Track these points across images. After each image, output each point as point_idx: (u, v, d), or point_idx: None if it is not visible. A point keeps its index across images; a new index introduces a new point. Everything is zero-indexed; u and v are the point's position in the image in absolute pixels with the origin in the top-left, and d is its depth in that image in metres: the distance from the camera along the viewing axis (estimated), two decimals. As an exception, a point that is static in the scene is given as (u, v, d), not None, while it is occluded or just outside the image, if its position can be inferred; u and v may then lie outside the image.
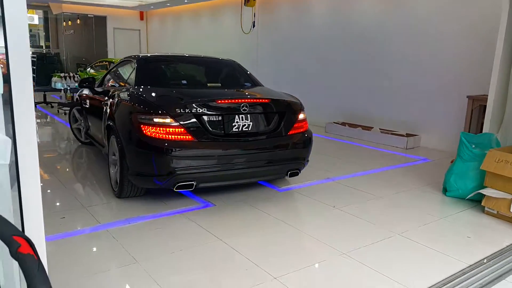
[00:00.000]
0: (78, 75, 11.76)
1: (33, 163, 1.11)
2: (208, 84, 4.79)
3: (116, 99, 4.18)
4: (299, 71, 9.40)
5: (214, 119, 3.72)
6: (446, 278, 2.79)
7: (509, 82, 4.80)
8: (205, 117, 3.67)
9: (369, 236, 3.39)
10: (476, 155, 4.26)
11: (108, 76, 5.45)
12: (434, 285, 2.71)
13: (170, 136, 3.53)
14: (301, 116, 4.22)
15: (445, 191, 4.54)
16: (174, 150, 3.52)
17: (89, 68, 12.32)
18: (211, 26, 12.61)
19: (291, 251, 3.10)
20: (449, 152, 6.49)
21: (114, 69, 5.41)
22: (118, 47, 15.77)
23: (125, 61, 5.15)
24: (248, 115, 3.84)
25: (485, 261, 3.07)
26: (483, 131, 4.96)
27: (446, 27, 6.61)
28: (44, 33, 19.98)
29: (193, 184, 3.63)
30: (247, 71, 5.12)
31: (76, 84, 10.57)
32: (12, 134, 1.08)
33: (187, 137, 3.57)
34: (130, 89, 4.22)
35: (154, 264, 2.84)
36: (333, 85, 8.67)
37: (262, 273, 2.76)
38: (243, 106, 3.78)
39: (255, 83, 4.90)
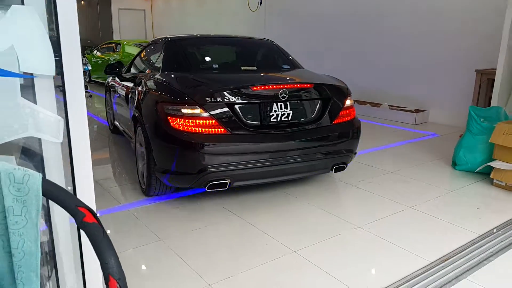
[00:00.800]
0: (85, 58, 11.79)
1: (85, 141, 1.21)
2: (242, 68, 4.23)
3: (143, 87, 3.81)
4: (307, 48, 9.39)
5: (249, 109, 3.30)
6: (458, 248, 2.91)
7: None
8: (239, 107, 3.26)
9: (382, 210, 3.51)
10: (484, 128, 4.33)
11: (136, 61, 5.07)
12: (447, 254, 2.83)
13: (200, 129, 3.17)
14: (348, 102, 3.73)
15: (454, 165, 4.63)
16: (205, 144, 3.13)
17: (96, 50, 12.35)
18: (217, 4, 12.54)
19: (308, 226, 3.23)
20: (457, 126, 6.55)
21: (142, 53, 5.06)
22: (123, 28, 15.76)
23: (153, 44, 4.79)
24: (288, 103, 3.39)
25: (494, 230, 3.19)
26: (491, 105, 5.01)
27: (454, 1, 6.58)
28: (47, 16, 19.90)
29: (227, 183, 3.25)
30: (285, 52, 4.64)
31: (86, 67, 10.61)
32: (65, 114, 1.18)
33: (219, 129, 3.18)
34: (157, 76, 3.85)
35: (178, 241, 2.98)
36: (341, 63, 8.67)
37: (282, 247, 2.89)
38: (281, 93, 3.32)
39: (294, 65, 4.43)
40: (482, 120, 4.40)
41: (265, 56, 4.54)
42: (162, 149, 3.32)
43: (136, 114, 3.80)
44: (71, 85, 1.16)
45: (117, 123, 5.44)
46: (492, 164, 4.09)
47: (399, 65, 7.55)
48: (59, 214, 1.30)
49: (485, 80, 5.86)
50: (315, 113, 3.56)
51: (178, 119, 3.19)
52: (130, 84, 4.38)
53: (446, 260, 2.76)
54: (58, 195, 1.06)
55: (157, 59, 4.24)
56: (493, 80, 5.22)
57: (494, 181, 4.10)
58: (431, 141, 5.90)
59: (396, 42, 7.54)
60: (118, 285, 0.98)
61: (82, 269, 1.30)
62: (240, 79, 3.60)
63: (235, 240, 2.99)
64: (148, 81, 3.83)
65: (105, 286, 0.99)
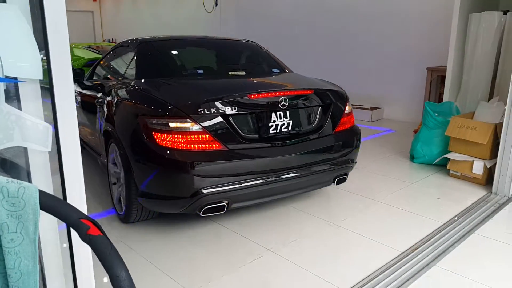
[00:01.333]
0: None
1: (76, 148, 1.16)
2: (230, 73, 3.72)
3: (115, 97, 3.36)
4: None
5: (246, 120, 2.94)
6: (425, 237, 3.06)
7: (464, 53, 5.12)
8: (235, 118, 2.88)
9: (350, 204, 3.61)
10: (439, 122, 4.56)
11: (100, 67, 4.53)
12: (415, 244, 2.97)
13: (192, 145, 2.76)
14: (347, 108, 3.45)
15: (412, 158, 4.84)
16: (199, 163, 2.72)
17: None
18: (170, 5, 12.34)
19: (280, 224, 3.26)
20: (411, 122, 6.85)
21: (106, 58, 4.52)
22: (71, 31, 15.10)
23: (119, 47, 4.23)
24: (287, 112, 3.07)
25: (456, 218, 3.37)
26: (443, 100, 5.28)
27: (406, 2, 6.88)
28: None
29: (224, 205, 2.87)
30: (271, 54, 4.27)
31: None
32: (54, 121, 1.12)
33: (214, 145, 2.80)
34: (132, 84, 3.36)
35: (151, 249, 2.92)
36: (297, 62, 8.81)
37: (258, 247, 2.91)
38: (281, 101, 2.99)
39: (282, 68, 4.05)
40: (436, 114, 4.63)
41: (251, 59, 4.16)
42: (146, 171, 2.87)
43: (109, 129, 3.30)
44: (60, 88, 1.11)
45: (80, 136, 4.94)
46: (448, 156, 4.32)
47: (357, 65, 7.79)
48: (46, 223, 1.24)
49: (436, 77, 6.17)
50: (316, 122, 3.24)
51: (165, 135, 2.75)
52: (96, 93, 3.90)
53: (415, 250, 2.88)
54: (58, 208, 1.01)
55: (128, 64, 3.77)
56: (443, 76, 5.51)
57: (450, 171, 4.33)
58: (387, 136, 6.14)
59: (354, 44, 7.78)
60: (130, 298, 0.95)
61: (74, 282, 1.25)
62: (233, 86, 3.24)
63: (212, 242, 2.98)
64: (121, 90, 3.39)
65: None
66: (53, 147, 1.15)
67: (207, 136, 2.79)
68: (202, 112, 2.78)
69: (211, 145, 2.80)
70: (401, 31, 6.98)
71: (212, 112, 2.80)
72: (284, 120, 3.06)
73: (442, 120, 4.55)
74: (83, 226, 0.99)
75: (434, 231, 3.16)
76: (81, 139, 4.45)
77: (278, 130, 3.04)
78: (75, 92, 4.49)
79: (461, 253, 2.85)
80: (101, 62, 4.51)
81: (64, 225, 1.26)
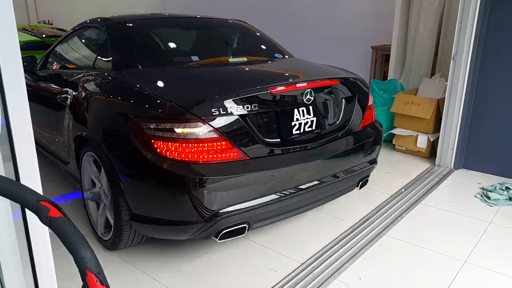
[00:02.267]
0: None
1: (27, 130, 1.08)
2: (230, 60, 3.08)
3: (87, 93, 2.71)
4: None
5: (266, 120, 2.35)
6: (374, 209, 3.20)
7: (408, 32, 5.33)
8: (253, 118, 2.28)
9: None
10: (385, 99, 4.74)
11: (56, 54, 3.67)
12: (365, 216, 3.11)
13: (206, 155, 2.14)
14: (370, 99, 2.99)
15: (361, 134, 5.01)
16: (215, 179, 2.13)
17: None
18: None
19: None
20: (357, 99, 7.07)
21: (63, 42, 3.63)
22: None
23: (81, 30, 3.41)
24: (310, 107, 2.52)
25: (402, 190, 3.55)
26: (388, 78, 5.49)
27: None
28: None
29: (245, 227, 2.32)
30: (267, 36, 3.69)
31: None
32: (2, 98, 1.04)
33: (232, 153, 2.21)
34: (112, 76, 2.68)
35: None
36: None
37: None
38: (306, 94, 2.44)
39: (283, 52, 3.49)
40: (382, 92, 4.81)
41: (247, 43, 3.54)
42: (143, 190, 2.30)
43: (82, 134, 2.63)
44: (6, 62, 1.03)
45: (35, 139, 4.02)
46: (393, 131, 4.51)
47: (301, 45, 7.86)
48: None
49: (380, 56, 6.37)
50: (340, 118, 2.72)
51: (170, 144, 2.12)
52: (57, 87, 3.17)
53: (366, 221, 3.02)
54: (13, 190, 0.95)
55: (100, 50, 3.05)
56: (387, 55, 5.70)
57: (396, 146, 4.54)
58: (336, 114, 6.30)
59: (298, 23, 7.83)
60: (97, 280, 0.92)
61: (33, 274, 1.19)
62: (248, 78, 2.70)
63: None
64: (96, 84, 2.74)
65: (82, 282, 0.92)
66: (3, 129, 1.08)
67: (224, 143, 2.18)
68: (217, 112, 2.15)
69: (229, 154, 2.20)
70: (346, 11, 7.12)
71: (229, 111, 2.17)
72: (307, 118, 2.50)
73: (387, 97, 4.73)
74: (43, 209, 0.94)
75: (383, 202, 3.31)
76: (36, 143, 3.72)
77: (301, 130, 2.48)
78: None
79: (409, 222, 3.02)
80: (57, 48, 3.69)
81: (18, 212, 1.19)
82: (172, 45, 3.17)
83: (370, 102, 2.97)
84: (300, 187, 2.46)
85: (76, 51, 3.52)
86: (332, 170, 2.64)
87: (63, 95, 2.99)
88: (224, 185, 2.16)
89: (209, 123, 2.13)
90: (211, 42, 3.38)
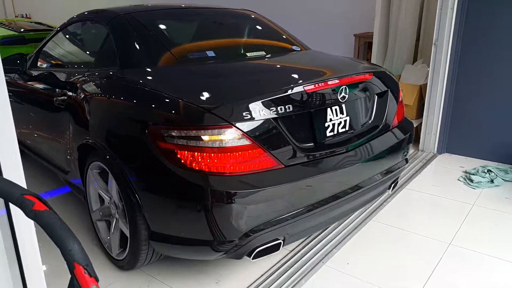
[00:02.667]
0: None
1: (7, 119, 1.05)
2: (248, 54, 2.78)
3: (91, 95, 2.44)
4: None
5: (299, 122, 2.10)
6: (361, 194, 3.23)
7: (389, 19, 5.35)
8: (287, 121, 2.02)
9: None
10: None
11: (50, 51, 3.31)
12: (353, 201, 3.13)
13: (238, 165, 1.89)
14: (401, 95, 2.74)
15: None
16: (249, 192, 1.87)
17: None
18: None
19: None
20: (341, 88, 7.10)
21: (56, 38, 3.26)
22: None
23: (76, 24, 3.12)
24: (343, 105, 2.27)
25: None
26: (371, 65, 5.51)
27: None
28: None
29: (280, 243, 2.07)
30: (280, 27, 3.41)
31: None
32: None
33: (266, 162, 1.96)
34: (119, 76, 2.41)
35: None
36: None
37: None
38: (341, 91, 2.21)
39: (301, 45, 3.21)
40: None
41: (263, 35, 3.25)
42: (164, 206, 2.03)
43: (89, 142, 2.34)
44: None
45: (27, 143, 3.52)
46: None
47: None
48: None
49: (363, 43, 6.40)
50: (373, 116, 2.48)
51: (197, 153, 1.86)
52: (53, 88, 2.87)
53: (353, 207, 3.05)
54: (-4, 185, 0.93)
55: (101, 46, 2.74)
56: (370, 42, 5.72)
57: (381, 133, 4.58)
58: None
59: (279, 10, 7.80)
60: (85, 271, 0.92)
61: (19, 265, 1.18)
62: (278, 75, 2.43)
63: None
64: (105, 85, 2.46)
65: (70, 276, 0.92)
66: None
67: (258, 150, 1.92)
68: (249, 116, 1.89)
69: (263, 163, 1.94)
70: (329, -1, 7.12)
71: (262, 114, 1.92)
72: (340, 118, 2.26)
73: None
74: (28, 202, 0.92)
75: (370, 188, 3.35)
76: (29, 149, 3.45)
77: (335, 132, 2.24)
78: (13, 85, 3.38)
79: (394, 207, 3.06)
80: (50, 44, 3.32)
81: (3, 210, 1.17)
82: (183, 39, 2.88)
83: (401, 97, 2.74)
84: (338, 194, 2.21)
85: (72, 48, 3.23)
86: (369, 174, 2.38)
87: (60, 97, 2.68)
88: (259, 199, 1.89)
89: (241, 128, 1.87)
90: (224, 35, 3.07)
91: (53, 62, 3.29)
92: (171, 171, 1.89)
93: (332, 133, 2.23)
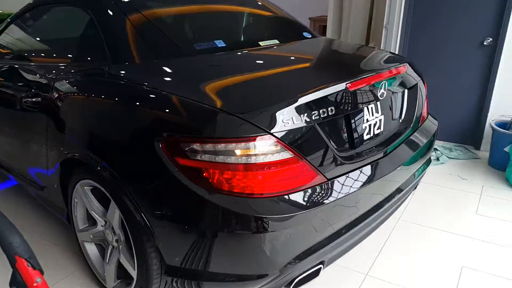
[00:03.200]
0: None
1: None
2: (261, 43, 2.35)
3: (77, 97, 2.01)
4: None
5: (338, 126, 1.77)
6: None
7: (343, 2, 5.43)
8: (326, 125, 1.68)
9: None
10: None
11: (10, 40, 2.74)
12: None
13: (280, 183, 1.53)
14: (426, 87, 2.47)
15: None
16: (295, 215, 1.51)
17: None
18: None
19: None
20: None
21: (19, 24, 2.69)
22: None
23: (45, 7, 2.54)
24: (379, 103, 1.96)
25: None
26: (326, 48, 5.59)
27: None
28: None
29: (320, 268, 1.76)
30: (284, 11, 3.00)
31: None
32: None
33: (309, 177, 1.60)
34: (114, 72, 1.93)
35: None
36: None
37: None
38: (381, 87, 1.93)
39: (311, 32, 2.81)
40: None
41: (272, 21, 2.83)
42: (187, 236, 1.58)
43: (74, 156, 1.92)
44: None
45: None
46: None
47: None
48: None
49: (318, 27, 6.46)
50: (404, 113, 2.20)
51: (228, 171, 1.48)
52: (18, 87, 2.37)
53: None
54: None
55: (82, 36, 2.21)
56: (324, 26, 5.80)
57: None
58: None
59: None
60: (28, 264, 0.90)
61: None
62: (310, 70, 2.06)
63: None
64: (95, 84, 1.97)
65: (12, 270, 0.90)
66: None
67: (302, 163, 1.56)
68: (289, 122, 1.52)
69: (307, 178, 1.59)
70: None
71: (304, 119, 1.56)
72: (376, 117, 1.94)
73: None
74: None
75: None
76: None
77: (371, 134, 1.93)
78: None
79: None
80: (8, 31, 2.74)
81: None
82: (187, 27, 2.36)
83: (426, 90, 2.46)
84: (380, 204, 1.92)
85: (41, 36, 2.66)
86: (406, 176, 2.10)
87: (32, 99, 2.17)
88: (305, 221, 1.55)
89: (282, 138, 1.50)
90: (231, 21, 2.62)
91: (16, 53, 2.74)
92: (195, 194, 1.50)
93: (368, 136, 1.90)
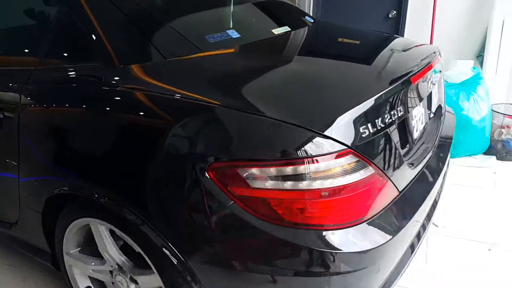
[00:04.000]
0: None
1: None
2: (274, 32, 1.95)
3: (64, 110, 1.49)
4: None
5: (402, 127, 1.49)
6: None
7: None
8: (396, 129, 1.41)
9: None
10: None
11: None
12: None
13: (364, 208, 1.22)
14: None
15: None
16: (383, 243, 1.22)
17: None
18: None
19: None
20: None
21: None
22: None
23: None
24: (422, 96, 1.67)
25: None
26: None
27: None
28: None
29: None
30: None
31: None
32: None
33: (389, 193, 1.32)
34: (115, 80, 1.41)
35: None
36: None
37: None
38: (430, 78, 1.73)
39: (311, 16, 2.54)
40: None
41: (273, 6, 2.39)
42: (244, 281, 1.26)
43: (62, 191, 1.50)
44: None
45: None
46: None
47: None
48: None
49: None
50: (432, 106, 1.93)
51: (305, 200, 1.14)
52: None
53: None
54: None
55: (56, 27, 1.58)
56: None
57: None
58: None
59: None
60: None
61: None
62: (360, 63, 1.73)
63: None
64: (92, 94, 1.44)
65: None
66: None
67: (382, 179, 1.28)
68: (366, 132, 1.22)
69: (387, 195, 1.31)
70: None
71: (379, 125, 1.27)
72: (420, 112, 1.68)
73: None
74: None
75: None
76: None
77: (417, 131, 1.66)
78: None
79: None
80: None
81: None
82: (192, 16, 1.85)
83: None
84: (429, 213, 1.68)
85: (18, 34, 1.86)
86: (444, 170, 1.84)
87: (20, 118, 1.56)
88: (390, 249, 1.28)
89: (362, 152, 1.20)
90: (235, 9, 2.18)
91: None
92: (262, 232, 1.16)
93: (417, 133, 1.64)
